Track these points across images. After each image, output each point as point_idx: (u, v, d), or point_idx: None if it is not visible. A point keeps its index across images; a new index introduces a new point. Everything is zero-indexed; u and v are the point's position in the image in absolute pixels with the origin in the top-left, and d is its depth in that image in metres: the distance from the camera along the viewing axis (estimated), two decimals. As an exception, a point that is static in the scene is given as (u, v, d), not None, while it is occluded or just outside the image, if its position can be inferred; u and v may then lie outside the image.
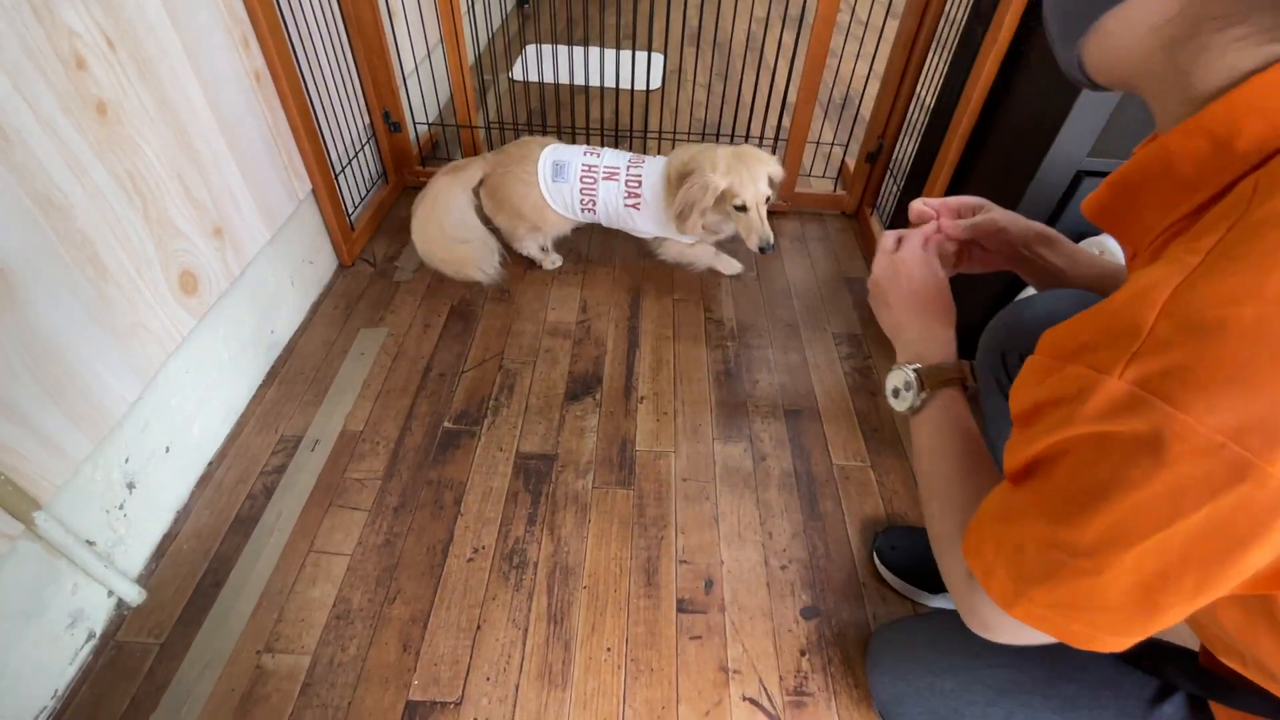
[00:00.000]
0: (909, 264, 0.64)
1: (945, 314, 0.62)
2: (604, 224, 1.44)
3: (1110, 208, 0.41)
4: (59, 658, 0.83)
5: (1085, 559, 0.35)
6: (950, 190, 1.28)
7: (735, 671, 0.89)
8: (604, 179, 1.34)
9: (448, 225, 1.39)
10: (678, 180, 1.28)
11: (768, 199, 1.27)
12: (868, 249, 1.64)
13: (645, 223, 1.38)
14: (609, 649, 0.91)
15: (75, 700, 0.83)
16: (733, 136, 1.73)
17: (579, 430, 1.19)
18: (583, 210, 1.38)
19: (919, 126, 1.44)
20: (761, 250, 1.27)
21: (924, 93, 1.42)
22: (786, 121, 1.63)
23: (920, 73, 1.44)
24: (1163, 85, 0.36)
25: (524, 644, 0.91)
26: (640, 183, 1.34)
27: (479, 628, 0.92)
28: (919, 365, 0.59)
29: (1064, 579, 0.36)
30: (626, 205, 1.35)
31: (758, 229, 1.27)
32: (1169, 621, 0.36)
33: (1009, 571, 0.39)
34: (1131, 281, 0.33)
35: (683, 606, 0.95)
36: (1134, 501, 0.32)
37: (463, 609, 0.94)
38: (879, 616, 0.96)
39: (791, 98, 1.58)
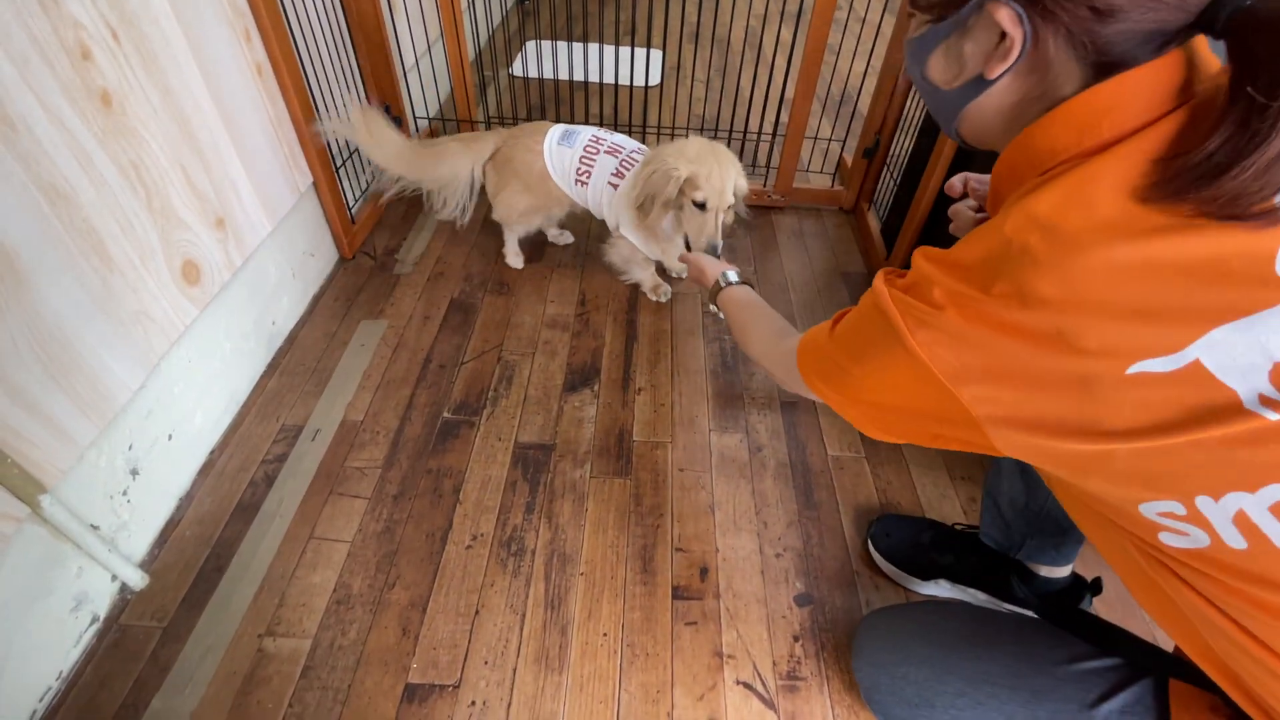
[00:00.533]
0: None
1: None
2: (590, 205, 1.38)
3: (994, 193, 0.57)
4: (64, 639, 0.85)
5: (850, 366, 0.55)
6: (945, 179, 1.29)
7: (730, 657, 0.91)
8: (606, 152, 1.31)
9: (430, 165, 1.37)
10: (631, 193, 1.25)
11: (730, 207, 1.20)
12: (865, 244, 1.66)
13: (615, 204, 1.33)
14: (605, 634, 0.92)
15: (80, 681, 0.85)
16: (730, 131, 1.74)
17: (577, 421, 1.20)
18: (576, 181, 1.33)
19: (916, 122, 1.45)
20: (714, 253, 1.18)
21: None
22: (785, 117, 1.64)
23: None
24: (1008, 141, 0.51)
25: (521, 629, 0.92)
26: (633, 166, 1.31)
27: (477, 613, 0.93)
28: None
29: (830, 371, 0.58)
30: (609, 181, 1.30)
31: (709, 232, 1.19)
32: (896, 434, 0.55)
33: (811, 359, 0.61)
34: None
35: (678, 593, 0.97)
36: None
37: (461, 594, 0.95)
38: (872, 604, 0.97)
39: (790, 93, 1.59)
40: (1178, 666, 0.58)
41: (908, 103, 1.51)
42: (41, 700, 0.82)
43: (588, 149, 1.31)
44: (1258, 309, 0.38)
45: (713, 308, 1.03)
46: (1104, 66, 0.44)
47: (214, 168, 1.06)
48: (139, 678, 0.85)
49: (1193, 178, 0.38)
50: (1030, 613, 0.87)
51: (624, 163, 1.29)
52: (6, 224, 0.72)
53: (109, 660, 0.87)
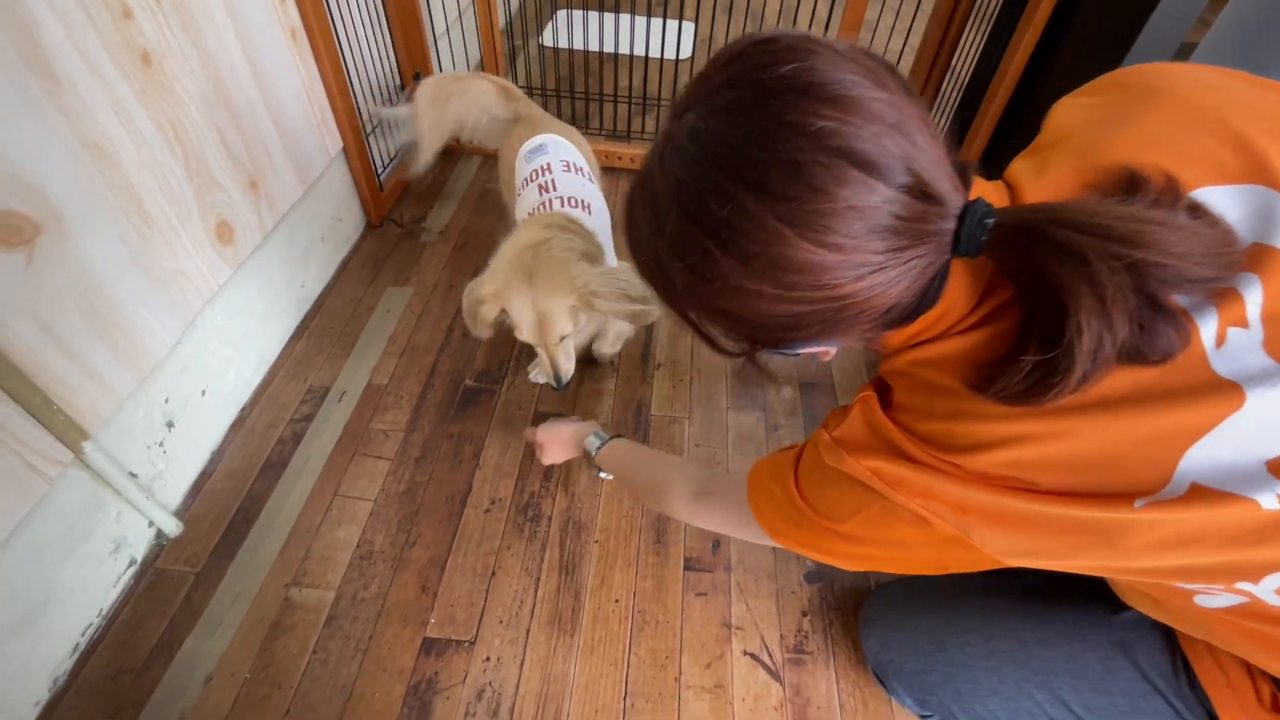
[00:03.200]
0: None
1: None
2: None
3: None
4: (103, 580, 0.89)
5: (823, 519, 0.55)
6: (984, 165, 1.26)
7: (738, 628, 0.92)
8: (539, 186, 1.07)
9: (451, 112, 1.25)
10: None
11: (563, 338, 0.94)
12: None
13: None
14: (617, 600, 0.94)
15: (118, 619, 0.89)
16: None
17: (596, 393, 1.22)
18: (522, 184, 1.13)
19: (952, 101, 1.41)
20: (554, 388, 0.99)
21: (959, 66, 1.39)
22: (817, 94, 1.61)
23: (956, 46, 1.41)
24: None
25: (536, 591, 0.95)
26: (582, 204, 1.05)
27: (494, 574, 0.96)
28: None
29: (807, 528, 0.56)
30: (525, 219, 1.05)
31: (544, 368, 0.98)
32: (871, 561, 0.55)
33: (777, 514, 0.60)
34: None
35: (690, 564, 0.98)
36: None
37: (479, 556, 0.98)
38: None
39: (823, 69, 1.56)
40: None
41: (945, 79, 1.47)
42: (83, 635, 0.87)
43: (533, 173, 1.11)
44: (1218, 422, 0.38)
45: (601, 474, 0.99)
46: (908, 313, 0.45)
47: (248, 130, 1.08)
48: (173, 619, 0.90)
49: (1024, 388, 0.40)
50: None
51: (541, 207, 1.05)
52: (52, 178, 0.75)
53: (145, 601, 0.91)
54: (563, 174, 1.10)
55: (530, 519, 1.03)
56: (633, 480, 0.87)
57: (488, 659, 0.88)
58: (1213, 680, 0.54)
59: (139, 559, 0.94)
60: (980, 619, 0.70)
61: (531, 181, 1.09)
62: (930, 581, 0.78)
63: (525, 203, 1.09)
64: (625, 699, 0.85)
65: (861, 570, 0.57)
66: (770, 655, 0.90)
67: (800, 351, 0.52)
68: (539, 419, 1.16)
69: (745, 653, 0.90)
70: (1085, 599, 0.65)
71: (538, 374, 1.22)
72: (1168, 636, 0.59)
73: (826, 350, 0.52)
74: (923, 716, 0.78)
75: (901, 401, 0.50)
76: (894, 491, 0.47)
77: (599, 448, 0.92)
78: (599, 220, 1.06)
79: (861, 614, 0.84)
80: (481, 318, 0.94)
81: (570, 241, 0.94)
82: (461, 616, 0.92)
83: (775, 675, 0.88)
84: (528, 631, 0.91)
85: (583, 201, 1.06)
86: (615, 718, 0.84)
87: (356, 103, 1.38)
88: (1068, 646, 0.64)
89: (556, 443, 0.98)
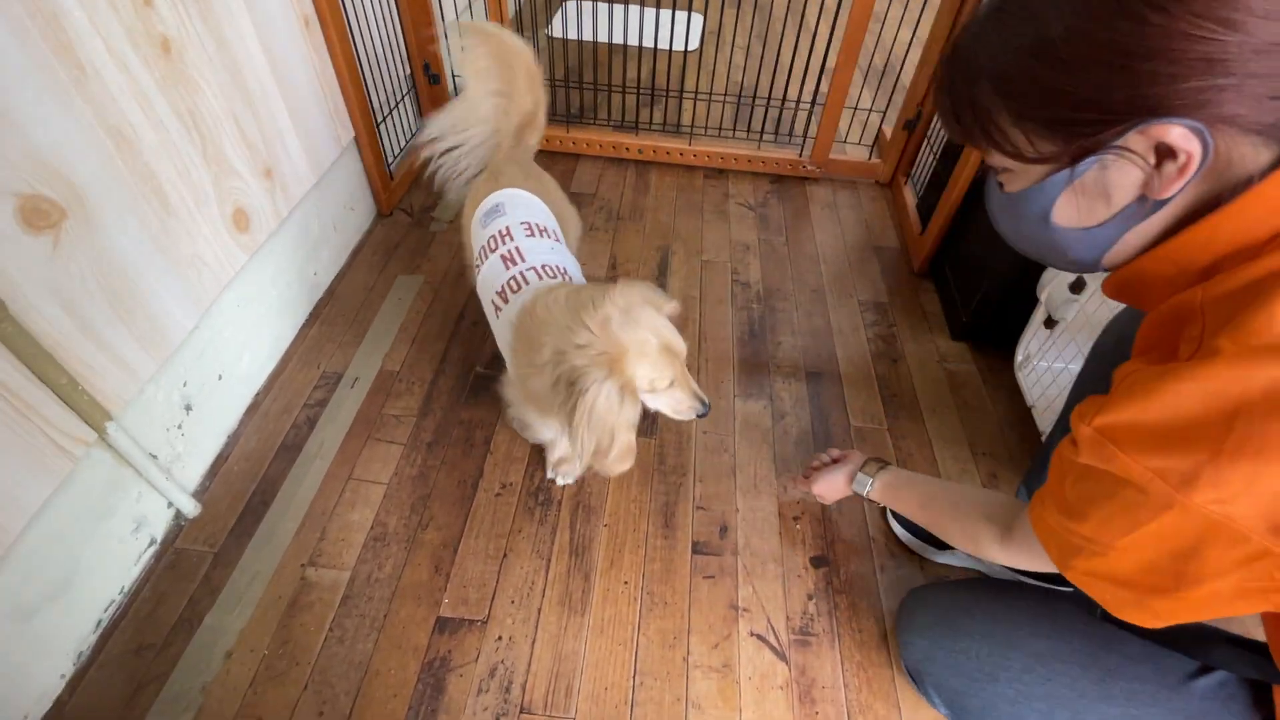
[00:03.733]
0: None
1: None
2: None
3: (1120, 295, 0.52)
4: (125, 558, 0.91)
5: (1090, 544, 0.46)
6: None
7: (745, 610, 0.94)
8: (501, 256, 0.93)
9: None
10: (525, 352, 0.83)
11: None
12: (900, 219, 1.64)
13: (500, 339, 0.93)
14: (626, 582, 0.96)
15: (140, 596, 0.91)
16: (768, 99, 1.72)
17: (604, 381, 1.23)
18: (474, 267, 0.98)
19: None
20: (705, 413, 0.84)
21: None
22: (825, 86, 1.62)
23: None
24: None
25: (546, 573, 0.96)
26: (522, 289, 0.89)
27: (505, 556, 0.98)
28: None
29: (1085, 556, 0.47)
30: (492, 300, 0.92)
31: (684, 406, 0.83)
32: (1187, 611, 0.44)
33: (1057, 547, 0.50)
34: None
35: (698, 548, 1.00)
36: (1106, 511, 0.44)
37: (490, 538, 1.00)
38: (886, 569, 0.99)
39: (831, 62, 1.56)
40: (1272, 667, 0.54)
41: (953, 74, 1.47)
42: (106, 611, 0.89)
43: (491, 240, 0.96)
44: None
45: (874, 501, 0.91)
46: None
47: (264, 118, 1.09)
48: (192, 596, 0.92)
49: None
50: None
51: (513, 282, 0.90)
52: (77, 163, 0.76)
53: (165, 579, 0.93)
54: (526, 239, 0.95)
55: (541, 503, 1.05)
56: (929, 524, 0.79)
57: (500, 638, 0.90)
58: None
59: (159, 538, 0.96)
60: (1038, 659, 0.66)
61: (491, 251, 0.95)
62: (977, 599, 0.76)
63: (490, 278, 0.93)
64: (634, 677, 0.87)
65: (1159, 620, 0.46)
66: (776, 636, 0.92)
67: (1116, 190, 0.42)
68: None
69: (752, 634, 0.92)
70: (1160, 658, 0.60)
71: (564, 473, 1.06)
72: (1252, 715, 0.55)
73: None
74: (946, 715, 0.78)
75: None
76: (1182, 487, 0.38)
77: (870, 486, 0.87)
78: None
79: (901, 617, 0.84)
80: (626, 418, 0.77)
81: (569, 286, 0.87)
82: (474, 597, 0.94)
83: (781, 655, 0.90)
84: (539, 611, 0.93)
85: (558, 268, 0.92)
86: (624, 695, 0.86)
87: (368, 92, 1.39)
88: (1132, 707, 0.59)
89: (833, 491, 0.93)
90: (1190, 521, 0.39)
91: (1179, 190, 0.40)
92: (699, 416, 0.85)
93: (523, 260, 0.92)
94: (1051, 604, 0.71)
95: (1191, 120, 0.37)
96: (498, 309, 0.91)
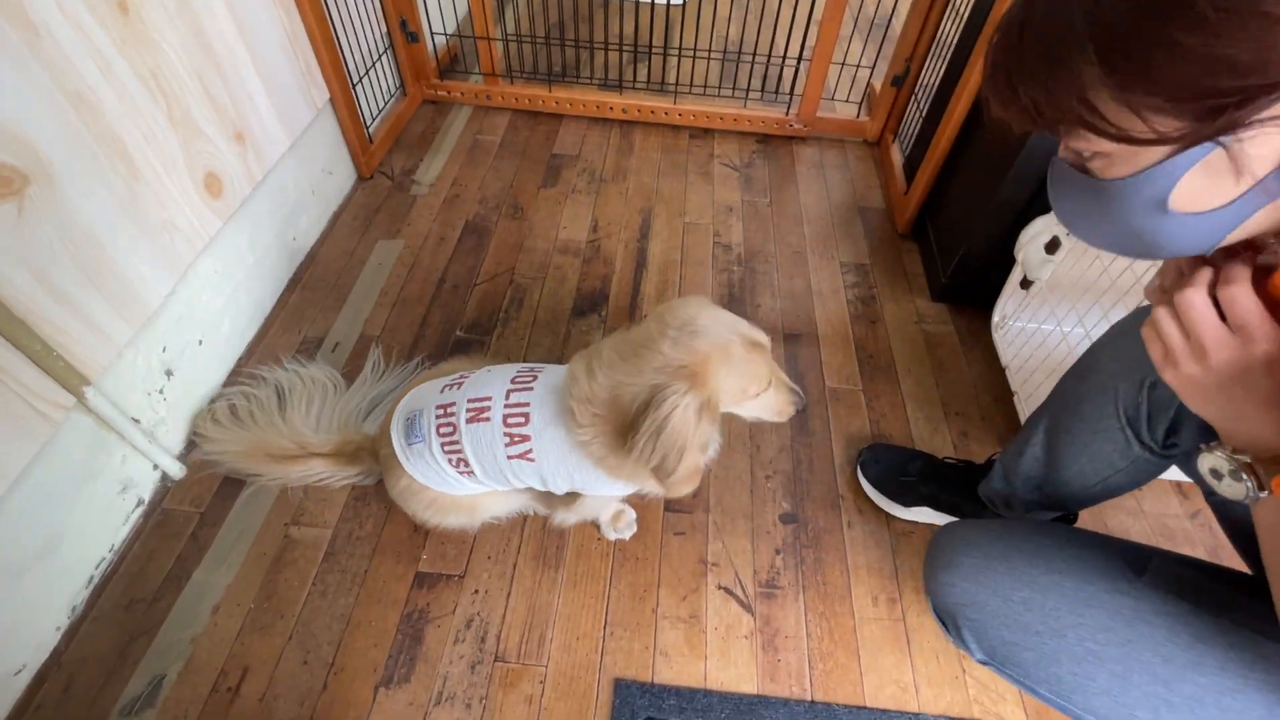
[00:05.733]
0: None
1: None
2: (488, 486, 0.88)
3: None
4: (113, 518, 0.94)
5: None
6: (969, 113, 1.25)
7: (714, 564, 0.97)
8: (469, 421, 0.80)
9: None
10: (610, 405, 0.73)
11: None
12: (886, 178, 1.62)
13: (553, 478, 0.82)
14: (599, 539, 0.99)
15: (129, 554, 0.95)
16: (754, 55, 1.68)
17: (583, 344, 1.24)
18: (465, 474, 0.84)
19: (950, 44, 1.38)
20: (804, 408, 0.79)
21: (961, 3, 1.35)
22: (812, 40, 1.58)
23: (953, -12, 1.37)
24: None
25: (522, 530, 0.99)
26: (526, 415, 0.79)
27: (482, 514, 1.01)
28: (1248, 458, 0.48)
29: None
30: (511, 457, 0.80)
31: (782, 406, 0.78)
32: None
33: None
34: None
35: (670, 505, 1.03)
36: None
37: (468, 498, 1.02)
38: (853, 525, 1.02)
39: (819, 13, 1.52)
40: None
41: (943, 23, 1.43)
42: (97, 568, 0.92)
43: (442, 430, 0.82)
44: None
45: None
46: None
47: (231, 80, 1.08)
48: (180, 554, 0.95)
49: None
50: None
51: (508, 420, 0.80)
52: (36, 128, 0.76)
53: (154, 538, 0.97)
54: (469, 399, 0.82)
55: (518, 463, 1.07)
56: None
57: (476, 591, 0.93)
58: None
59: (146, 499, 0.99)
60: (1116, 618, 0.59)
61: (456, 441, 0.81)
62: (1039, 546, 0.66)
63: (479, 434, 0.80)
64: (605, 628, 0.91)
65: None
66: (743, 589, 0.95)
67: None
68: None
69: (719, 586, 0.95)
70: (1251, 632, 0.54)
71: (622, 527, 0.99)
72: None
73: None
74: (981, 661, 0.68)
75: None
76: None
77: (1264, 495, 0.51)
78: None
79: (937, 555, 0.71)
80: (705, 434, 0.72)
81: (608, 339, 0.78)
82: (452, 553, 0.97)
83: (747, 607, 0.93)
84: (514, 566, 0.96)
85: (527, 372, 0.83)
86: (595, 644, 0.89)
87: (342, 51, 1.36)
88: (1225, 678, 0.54)
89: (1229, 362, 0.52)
90: None
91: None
92: (799, 412, 0.78)
93: (490, 407, 0.80)
94: (1127, 557, 0.63)
95: None
96: (517, 439, 0.79)
